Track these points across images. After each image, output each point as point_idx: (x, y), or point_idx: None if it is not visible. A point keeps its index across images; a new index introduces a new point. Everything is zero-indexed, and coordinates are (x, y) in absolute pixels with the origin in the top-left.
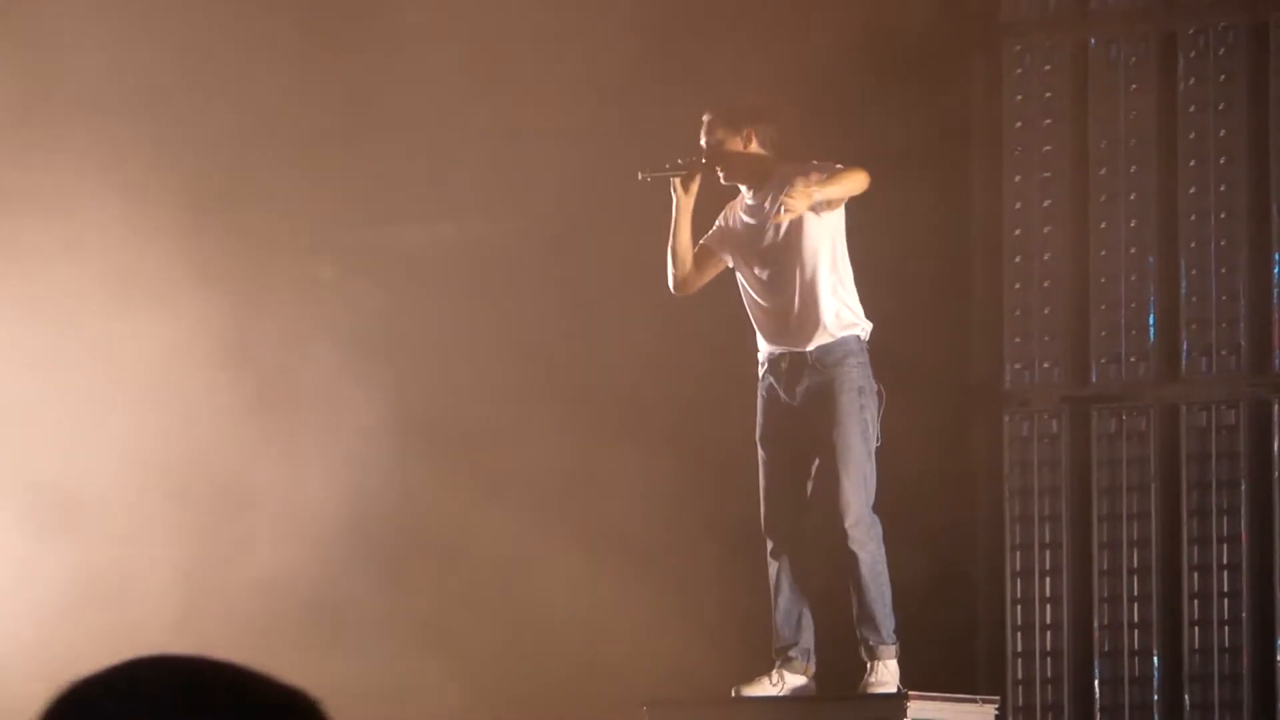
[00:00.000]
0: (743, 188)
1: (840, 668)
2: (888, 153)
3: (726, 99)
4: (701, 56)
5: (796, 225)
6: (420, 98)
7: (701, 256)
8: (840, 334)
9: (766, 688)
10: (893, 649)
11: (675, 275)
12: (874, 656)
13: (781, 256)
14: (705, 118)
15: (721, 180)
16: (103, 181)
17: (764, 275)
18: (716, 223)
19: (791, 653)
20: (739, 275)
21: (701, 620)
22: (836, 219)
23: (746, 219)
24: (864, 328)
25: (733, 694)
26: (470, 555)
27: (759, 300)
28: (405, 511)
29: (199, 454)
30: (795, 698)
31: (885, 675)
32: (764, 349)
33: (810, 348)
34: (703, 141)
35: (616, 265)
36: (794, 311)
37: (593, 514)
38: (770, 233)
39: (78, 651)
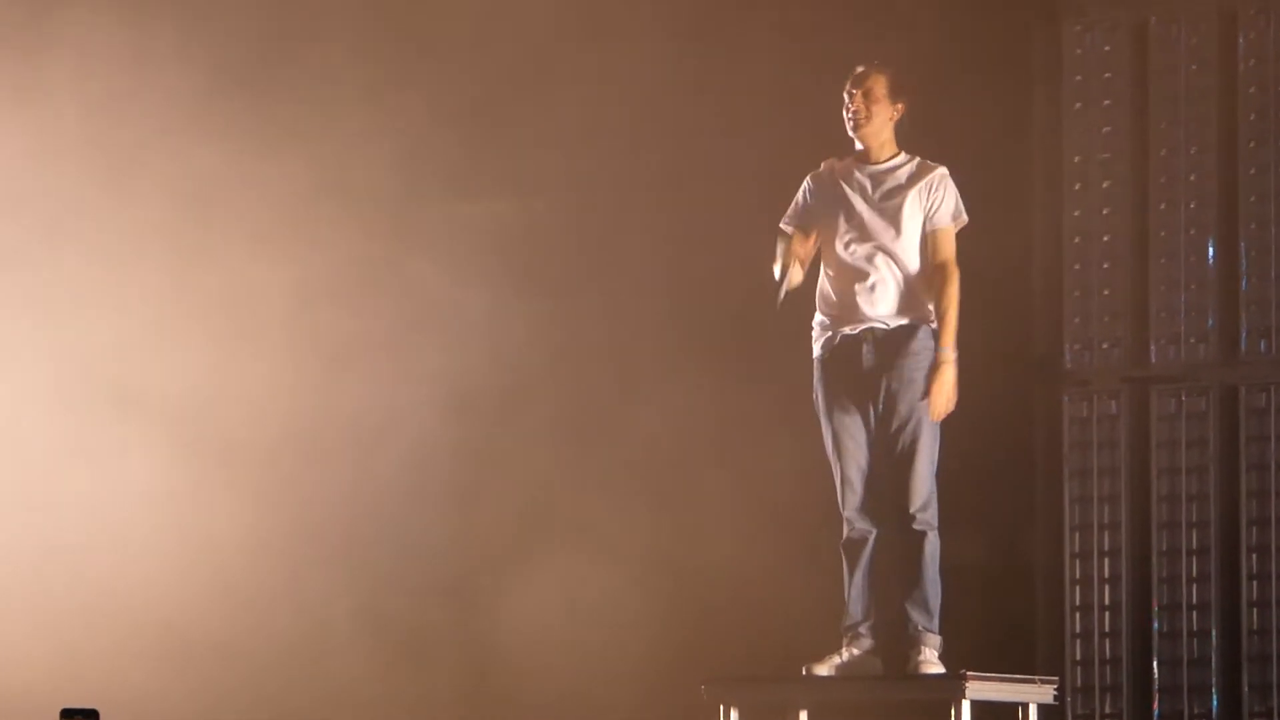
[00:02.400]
0: (861, 146)
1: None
2: (948, 134)
3: (895, 68)
4: (754, 38)
5: (897, 208)
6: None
7: (803, 245)
8: (921, 314)
9: (835, 666)
10: (938, 639)
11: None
12: (920, 641)
13: (880, 232)
14: (864, 70)
15: (851, 129)
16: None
17: (857, 248)
18: (803, 201)
19: (861, 629)
20: (823, 246)
21: (766, 599)
22: (929, 212)
23: (860, 180)
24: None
25: (804, 672)
26: (541, 528)
27: (844, 269)
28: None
29: (283, 423)
30: (861, 677)
31: (932, 656)
32: (839, 324)
33: (893, 325)
34: (853, 88)
35: (668, 249)
36: (885, 286)
37: (664, 490)
38: (876, 211)
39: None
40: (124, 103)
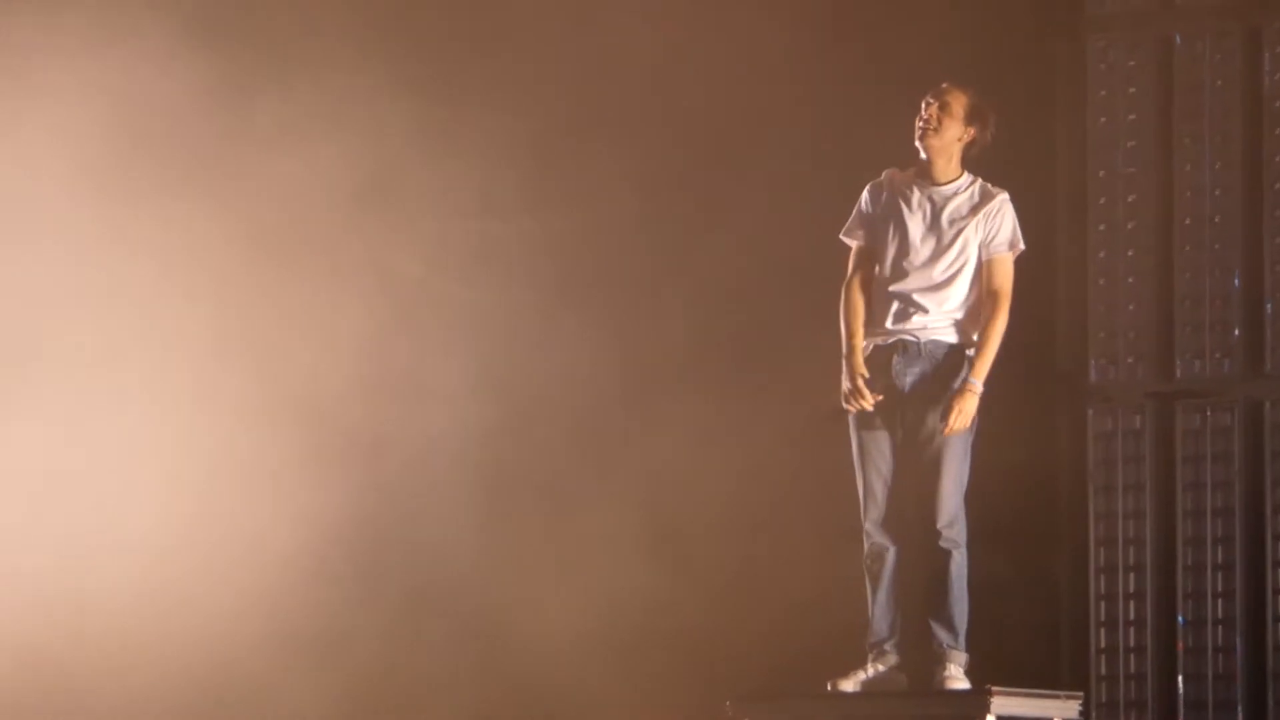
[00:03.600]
0: (926, 158)
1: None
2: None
3: (977, 93)
4: (772, 51)
5: (956, 234)
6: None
7: (865, 262)
8: (958, 329)
9: (861, 682)
10: (963, 656)
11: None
12: (945, 658)
13: (933, 256)
14: (947, 85)
15: (918, 138)
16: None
17: (905, 265)
18: (864, 210)
19: (886, 646)
20: (864, 251)
21: (791, 614)
22: (986, 240)
23: (921, 200)
24: (972, 339)
25: (829, 688)
26: (559, 539)
27: (886, 283)
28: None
29: (300, 434)
30: (887, 692)
31: (957, 672)
32: (872, 335)
33: (924, 339)
34: (931, 98)
35: (693, 258)
36: (923, 302)
37: (686, 508)
38: (934, 235)
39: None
40: (124, 99)
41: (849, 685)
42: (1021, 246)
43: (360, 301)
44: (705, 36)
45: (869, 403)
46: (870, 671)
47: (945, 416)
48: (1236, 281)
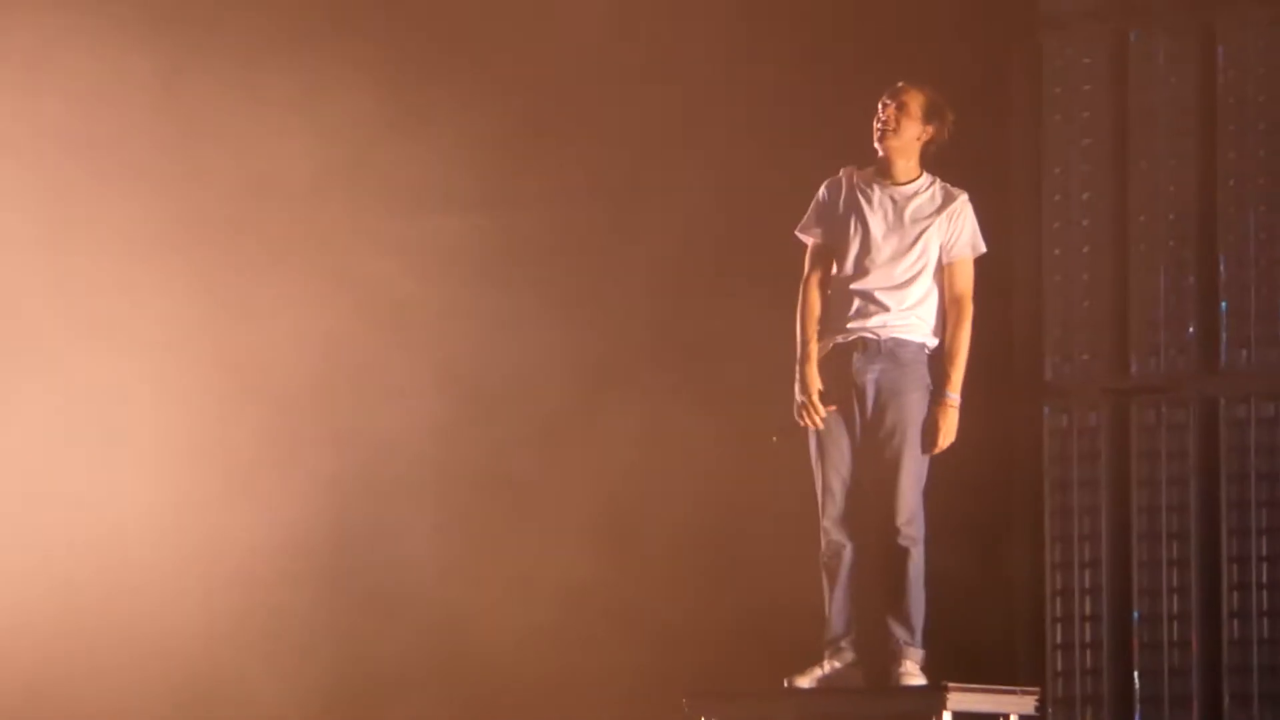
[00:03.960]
0: (887, 158)
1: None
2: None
3: (934, 90)
4: (730, 49)
5: (918, 235)
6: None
7: (822, 260)
8: (917, 327)
9: (817, 678)
10: (920, 653)
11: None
12: (902, 654)
13: (893, 257)
14: (904, 85)
15: (877, 139)
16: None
17: (864, 264)
18: (820, 207)
19: (843, 643)
20: (822, 249)
21: (747, 612)
22: (947, 243)
23: (882, 199)
24: (931, 336)
25: (785, 685)
26: (505, 537)
27: (845, 281)
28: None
29: (255, 438)
30: (844, 689)
31: (913, 669)
32: (832, 332)
33: (884, 336)
34: (888, 99)
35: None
36: (884, 301)
37: (645, 505)
38: (895, 236)
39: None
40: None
41: (806, 682)
42: (982, 248)
43: (320, 299)
44: (661, 35)
45: (820, 418)
46: (827, 668)
47: (930, 435)
48: (1191, 279)
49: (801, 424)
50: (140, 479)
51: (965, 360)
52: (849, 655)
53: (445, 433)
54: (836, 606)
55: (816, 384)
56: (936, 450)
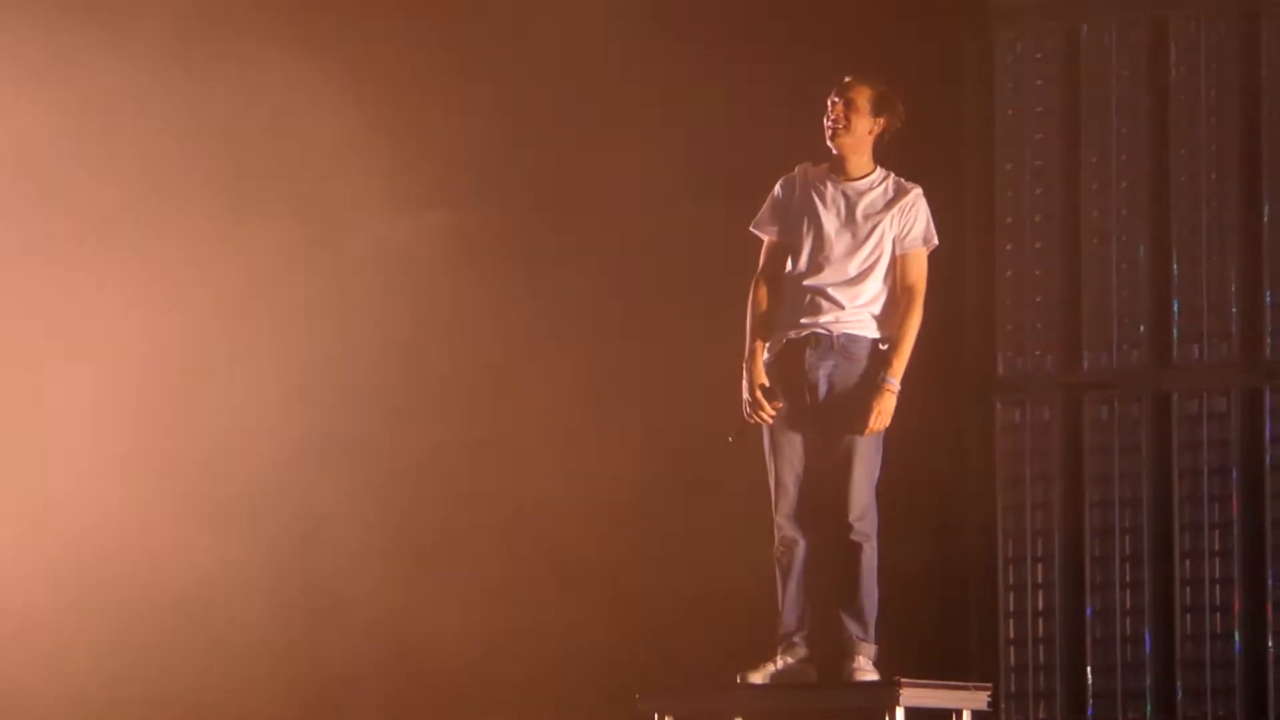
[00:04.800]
0: (840, 155)
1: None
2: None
3: (881, 82)
4: (686, 49)
5: (871, 230)
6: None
7: (776, 257)
8: (870, 324)
9: (770, 674)
10: (873, 648)
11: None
12: (855, 650)
13: (846, 252)
14: (850, 80)
15: (829, 138)
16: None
17: (818, 260)
18: (776, 204)
19: (795, 639)
20: (776, 246)
21: (699, 607)
22: (900, 236)
23: (834, 195)
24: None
25: (738, 680)
26: (468, 534)
27: (798, 277)
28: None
29: (228, 443)
30: (796, 685)
31: (866, 664)
32: (784, 328)
33: (836, 332)
34: (835, 96)
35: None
36: (836, 297)
37: (590, 502)
38: (848, 231)
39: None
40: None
41: (758, 677)
42: (935, 241)
43: (261, 302)
44: (613, 32)
45: (769, 415)
46: (779, 664)
47: (864, 417)
48: (1143, 274)
49: (750, 421)
50: (78, 487)
51: (910, 349)
52: (802, 651)
53: (390, 432)
54: (789, 602)
55: (761, 380)
56: (868, 433)
